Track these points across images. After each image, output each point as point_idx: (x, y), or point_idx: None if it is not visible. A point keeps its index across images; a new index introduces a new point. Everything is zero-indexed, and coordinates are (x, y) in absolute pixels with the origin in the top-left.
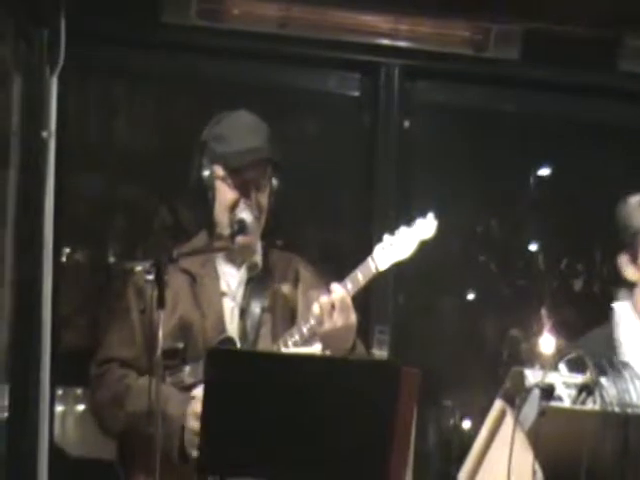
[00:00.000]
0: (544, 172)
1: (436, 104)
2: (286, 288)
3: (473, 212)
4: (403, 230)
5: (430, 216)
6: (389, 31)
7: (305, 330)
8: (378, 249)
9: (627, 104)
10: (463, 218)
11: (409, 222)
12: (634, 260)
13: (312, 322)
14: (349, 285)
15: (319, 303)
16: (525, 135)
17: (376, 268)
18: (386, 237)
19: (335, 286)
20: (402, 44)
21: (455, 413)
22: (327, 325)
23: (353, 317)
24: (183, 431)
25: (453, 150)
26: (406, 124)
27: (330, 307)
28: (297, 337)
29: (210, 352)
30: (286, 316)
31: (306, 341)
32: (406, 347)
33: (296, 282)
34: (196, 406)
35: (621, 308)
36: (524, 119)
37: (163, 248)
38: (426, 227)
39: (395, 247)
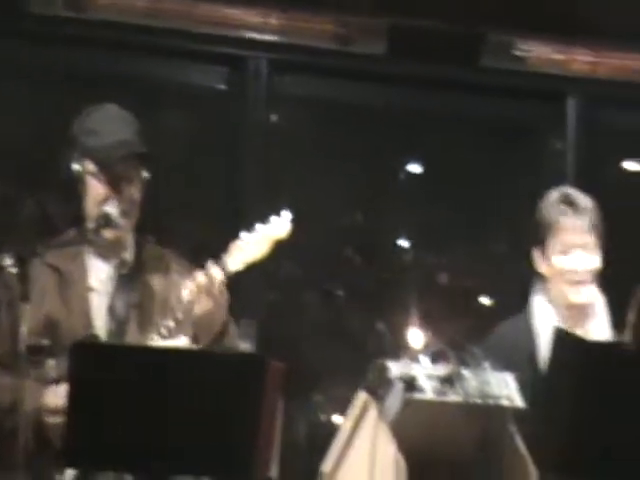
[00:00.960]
0: (412, 166)
1: (303, 98)
2: (157, 283)
3: (340, 206)
4: (258, 228)
5: (285, 214)
6: (257, 25)
7: (173, 322)
8: (233, 247)
9: (489, 99)
10: (331, 212)
11: (265, 220)
12: (543, 255)
13: (181, 310)
14: (213, 270)
15: (187, 288)
16: (392, 129)
17: (228, 267)
18: (243, 235)
19: (199, 272)
20: (270, 38)
21: (325, 407)
22: (197, 309)
23: (222, 298)
24: (38, 425)
25: (321, 144)
26: (273, 118)
27: (198, 290)
28: (164, 330)
29: (73, 345)
30: (157, 311)
31: (174, 333)
32: (275, 342)
33: (168, 277)
34: (50, 400)
35: (537, 300)
36: (391, 113)
37: (29, 242)
38: (280, 226)
39: (249, 245)
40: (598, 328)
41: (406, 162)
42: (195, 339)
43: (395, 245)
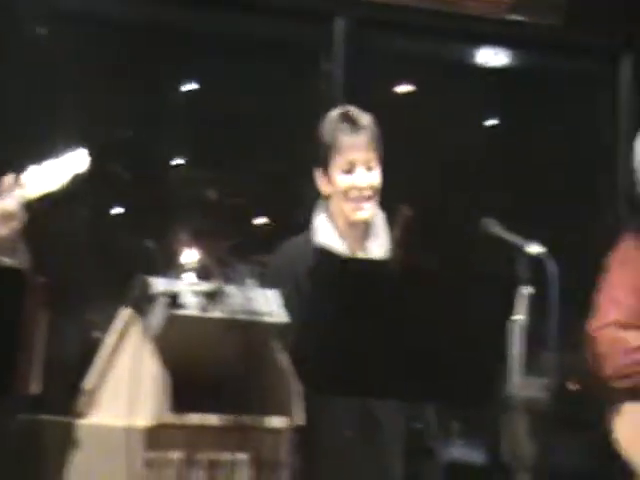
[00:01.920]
0: (186, 84)
1: (75, 13)
2: None
3: (113, 123)
4: (52, 162)
5: (82, 151)
6: None
7: None
8: (33, 174)
9: (259, 17)
10: (103, 129)
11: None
12: (326, 175)
13: None
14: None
15: None
16: (166, 47)
17: (26, 193)
18: (44, 163)
19: None
20: None
21: (93, 324)
22: None
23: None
24: None
25: (97, 63)
26: (42, 32)
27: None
28: None
29: None
30: None
31: None
32: (41, 258)
33: None
34: None
35: (320, 219)
36: (164, 32)
37: None
38: (80, 160)
39: (44, 177)
40: (378, 245)
41: (180, 80)
42: None
43: (168, 162)
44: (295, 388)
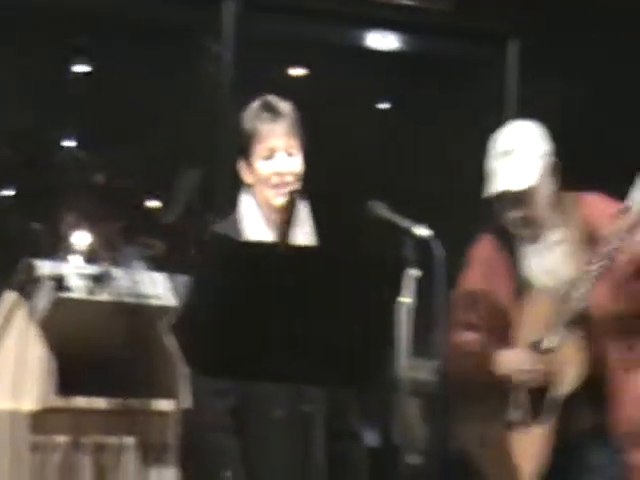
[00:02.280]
0: (78, 69)
1: None
2: None
3: (4, 108)
4: None
5: None
6: None
7: None
8: None
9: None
10: None
11: None
12: (248, 164)
13: None
14: None
15: None
16: (62, 29)
17: None
18: None
19: None
20: None
21: None
22: None
23: None
24: None
25: None
26: None
27: None
28: None
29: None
30: None
31: None
32: None
33: None
34: None
35: (246, 202)
36: (64, 13)
37: None
38: None
39: None
40: (304, 234)
41: (69, 63)
42: None
43: (57, 145)
44: (182, 371)
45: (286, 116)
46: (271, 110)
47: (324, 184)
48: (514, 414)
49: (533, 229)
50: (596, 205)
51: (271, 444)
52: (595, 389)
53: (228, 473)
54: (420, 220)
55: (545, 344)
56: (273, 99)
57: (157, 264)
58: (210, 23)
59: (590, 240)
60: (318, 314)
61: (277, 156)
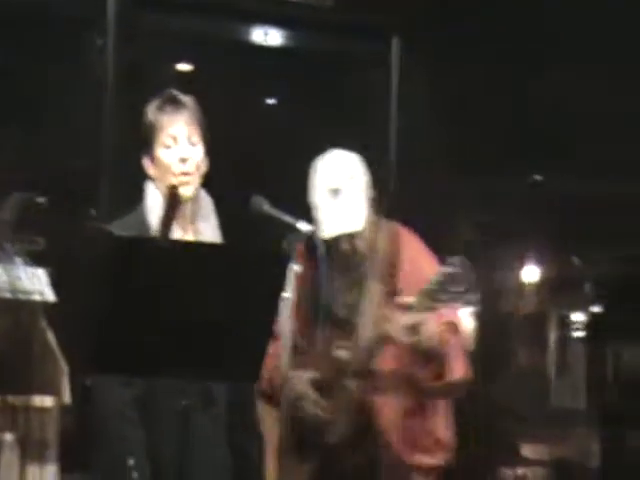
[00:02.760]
0: None
1: None
2: None
3: None
4: None
5: None
6: None
7: None
8: None
9: None
10: None
11: None
12: (152, 158)
13: None
14: None
15: None
16: None
17: None
18: None
19: None
20: None
21: None
22: None
23: None
24: None
25: None
26: None
27: None
28: None
29: None
30: None
31: None
32: None
33: None
34: None
35: (151, 195)
36: None
37: None
38: None
39: None
40: (210, 227)
41: None
42: None
43: None
44: (62, 368)
45: (188, 107)
46: (173, 102)
47: (210, 179)
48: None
49: (351, 259)
50: (412, 256)
51: (177, 434)
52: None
53: (131, 461)
54: (304, 216)
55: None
56: (175, 92)
57: (39, 260)
58: (95, 15)
59: (390, 276)
60: (205, 310)
61: (179, 143)
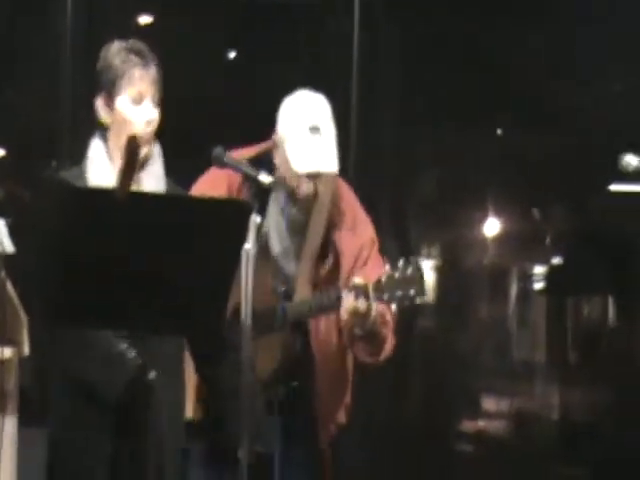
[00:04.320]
0: None
1: None
2: None
3: None
4: None
5: None
6: None
7: None
8: None
9: None
10: None
11: None
12: (109, 104)
13: None
14: None
15: None
16: None
17: None
18: None
19: None
20: None
21: None
22: None
23: None
24: None
25: None
26: None
27: None
28: None
29: None
30: None
31: None
32: None
33: None
34: None
35: (95, 147)
36: None
37: None
38: None
39: None
40: (154, 177)
41: None
42: None
43: None
44: (22, 319)
45: (154, 64)
46: (142, 56)
47: (172, 132)
48: None
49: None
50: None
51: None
52: None
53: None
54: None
55: None
56: (140, 44)
57: None
58: None
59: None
60: (163, 262)
61: (144, 103)
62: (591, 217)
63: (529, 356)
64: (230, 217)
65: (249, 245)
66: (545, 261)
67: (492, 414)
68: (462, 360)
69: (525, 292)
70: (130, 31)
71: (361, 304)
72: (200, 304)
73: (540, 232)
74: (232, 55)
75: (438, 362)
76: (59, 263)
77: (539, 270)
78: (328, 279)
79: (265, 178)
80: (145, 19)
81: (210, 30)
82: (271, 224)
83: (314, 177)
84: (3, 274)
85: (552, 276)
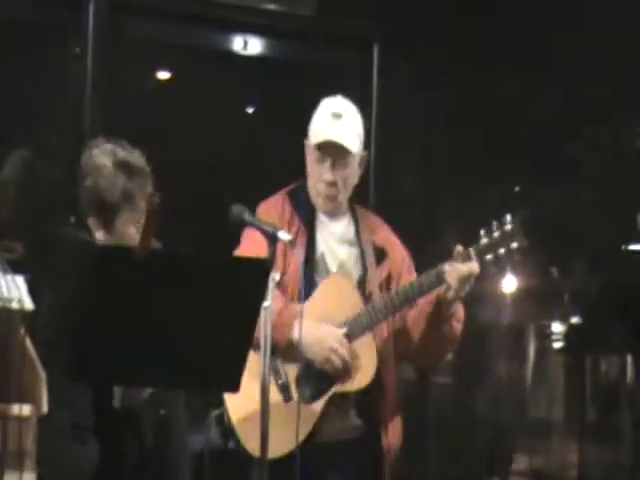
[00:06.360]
0: None
1: None
2: None
3: None
4: None
5: None
6: None
7: None
8: None
9: None
10: None
11: None
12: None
13: None
14: None
15: None
16: None
17: None
18: None
19: None
20: None
21: None
22: None
23: None
24: None
25: None
26: None
27: None
28: None
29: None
30: None
31: None
32: None
33: None
34: None
35: None
36: None
37: None
38: None
39: None
40: None
41: None
42: None
43: None
44: (41, 376)
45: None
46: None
47: (192, 188)
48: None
49: (333, 204)
50: (390, 239)
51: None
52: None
53: None
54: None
55: (348, 331)
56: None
57: (17, 267)
58: (73, 24)
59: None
60: (185, 318)
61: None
62: (609, 275)
63: (547, 414)
64: (249, 275)
65: (268, 302)
66: (564, 319)
67: (510, 472)
68: (479, 418)
69: (543, 350)
70: (148, 86)
71: (472, 266)
72: (219, 361)
73: (559, 290)
74: (251, 110)
75: (455, 419)
76: (79, 320)
77: (557, 328)
78: (387, 280)
79: (284, 235)
80: (163, 75)
81: (227, 87)
82: (322, 246)
83: (332, 164)
84: (22, 331)
85: (570, 334)
